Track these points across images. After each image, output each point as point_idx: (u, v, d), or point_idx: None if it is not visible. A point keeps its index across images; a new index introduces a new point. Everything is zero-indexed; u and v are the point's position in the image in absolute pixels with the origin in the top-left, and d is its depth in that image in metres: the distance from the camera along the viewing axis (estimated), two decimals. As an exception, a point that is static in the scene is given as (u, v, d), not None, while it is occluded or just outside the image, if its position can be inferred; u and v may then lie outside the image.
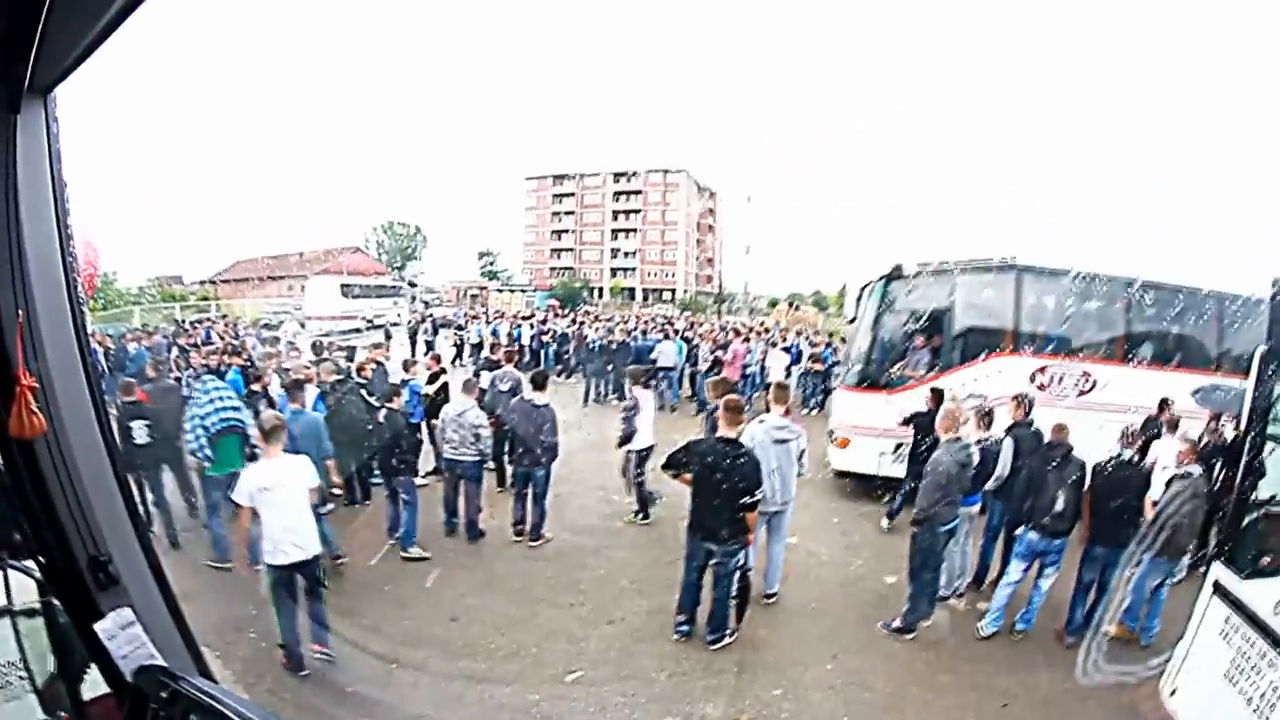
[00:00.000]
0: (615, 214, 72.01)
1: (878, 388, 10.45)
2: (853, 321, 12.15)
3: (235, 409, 7.57)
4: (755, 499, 5.89)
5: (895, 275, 10.66)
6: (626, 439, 8.87)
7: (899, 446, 9.86)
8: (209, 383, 7.92)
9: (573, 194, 73.83)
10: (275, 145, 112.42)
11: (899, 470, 9.80)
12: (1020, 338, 10.31)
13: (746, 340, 18.53)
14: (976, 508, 7.32)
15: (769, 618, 6.73)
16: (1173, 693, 4.96)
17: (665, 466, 6.14)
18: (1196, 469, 6.47)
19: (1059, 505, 6.46)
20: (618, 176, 72.17)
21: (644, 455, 8.90)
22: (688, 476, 5.98)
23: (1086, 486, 6.49)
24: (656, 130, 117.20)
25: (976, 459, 6.79)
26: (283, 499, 5.43)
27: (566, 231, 73.26)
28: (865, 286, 11.64)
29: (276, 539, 5.40)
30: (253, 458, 6.94)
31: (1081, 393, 10.10)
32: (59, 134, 1.52)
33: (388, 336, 23.51)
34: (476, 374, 9.98)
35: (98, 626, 1.53)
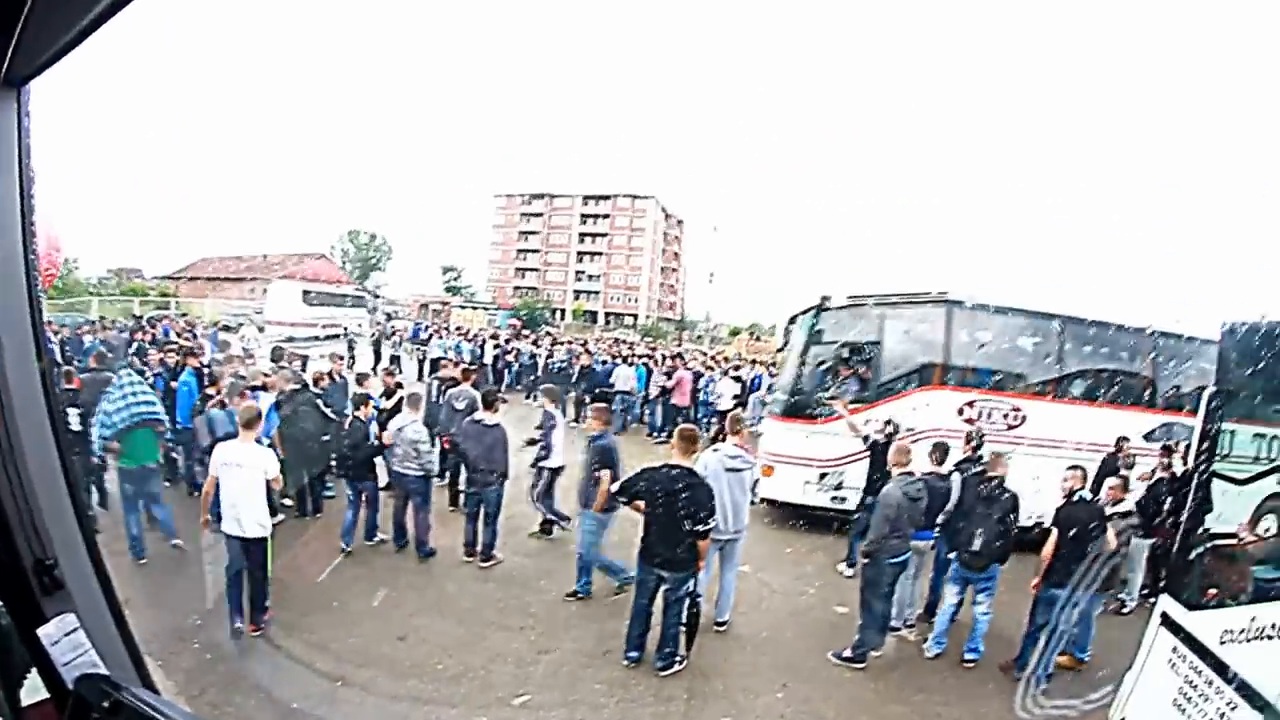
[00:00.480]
0: (582, 236, 72.45)
1: (803, 418, 10.51)
2: (781, 350, 12.48)
3: (150, 403, 7.70)
4: (708, 527, 5.90)
5: (823, 307, 10.80)
6: (542, 457, 8.92)
7: (824, 476, 10.11)
8: (124, 378, 7.93)
9: (541, 214, 74.08)
10: (246, 145, 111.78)
11: (823, 499, 10.08)
12: (949, 371, 10.48)
13: (700, 368, 18.76)
14: (929, 543, 7.38)
15: (720, 645, 6.73)
16: None
17: (619, 493, 6.12)
18: (1127, 505, 6.83)
19: (988, 535, 6.67)
20: (587, 199, 72.52)
21: (554, 474, 9.00)
22: (640, 504, 5.97)
23: (1050, 525, 6.59)
24: (628, 156, 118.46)
25: (926, 493, 6.88)
26: (241, 477, 6.05)
27: (533, 251, 73.45)
28: (794, 317, 11.79)
29: (226, 510, 6.03)
30: (169, 452, 8.15)
31: (1010, 426, 10.26)
32: (29, 128, 1.50)
33: (351, 348, 23.33)
34: (438, 391, 9.89)
35: (40, 631, 1.49)
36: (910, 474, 6.75)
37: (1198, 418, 5.34)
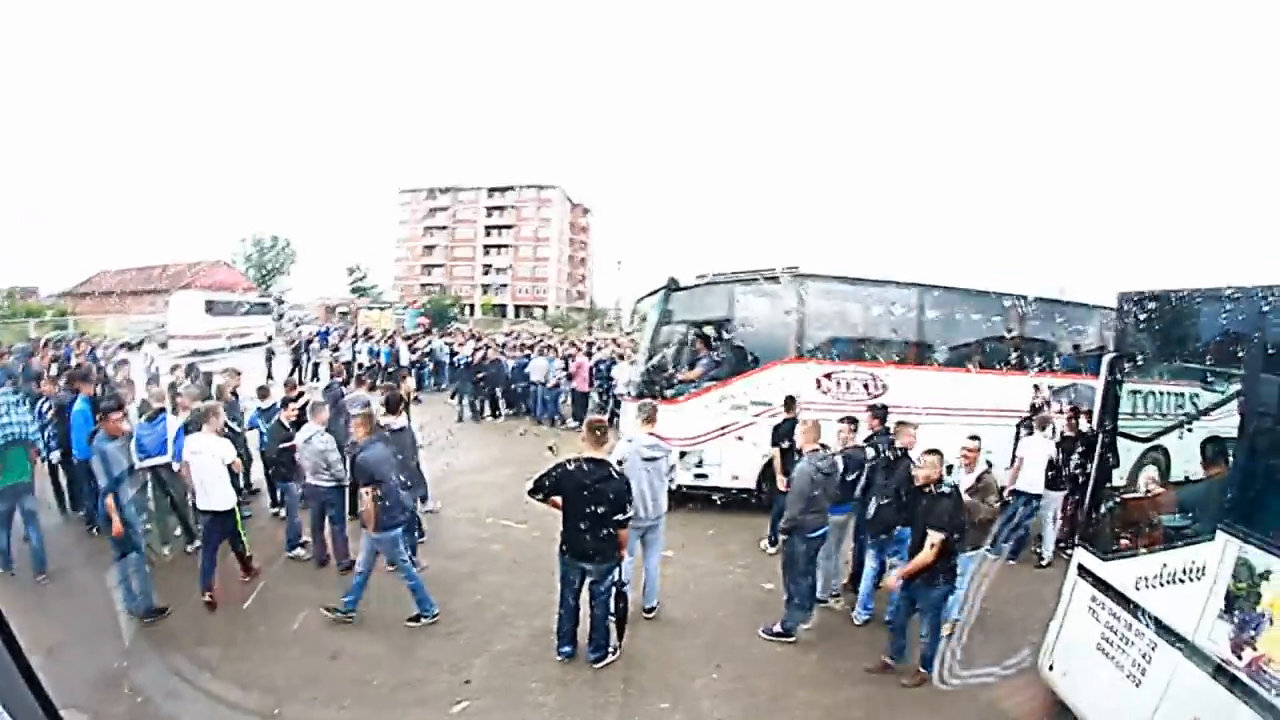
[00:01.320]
0: (488, 229, 71.68)
1: (659, 398, 10.12)
2: (630, 334, 12.49)
3: (23, 423, 7.75)
4: (626, 516, 5.96)
5: (672, 287, 10.81)
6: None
7: (683, 455, 10.21)
8: None
9: (447, 208, 73.03)
10: (140, 151, 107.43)
11: (686, 478, 10.30)
12: (804, 344, 10.71)
13: (590, 354, 18.95)
14: (846, 515, 7.60)
15: (651, 632, 6.82)
16: (1050, 667, 5.44)
17: (532, 491, 6.11)
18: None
19: (887, 501, 6.93)
20: (492, 191, 71.78)
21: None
22: (556, 499, 5.97)
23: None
24: (531, 145, 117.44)
25: (840, 468, 7.09)
26: (202, 462, 7.19)
27: (438, 246, 72.35)
28: (641, 300, 12.13)
29: (197, 489, 7.28)
30: (49, 461, 8.74)
31: (873, 396, 10.40)
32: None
33: (270, 358, 22.82)
34: (333, 398, 9.70)
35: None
36: (819, 448, 6.92)
37: (1099, 380, 5.58)
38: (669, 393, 10.56)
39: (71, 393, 8.89)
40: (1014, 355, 11.08)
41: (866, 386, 10.55)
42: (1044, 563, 8.82)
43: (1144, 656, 4.47)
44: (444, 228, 72.93)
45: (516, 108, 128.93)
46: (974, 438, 7.33)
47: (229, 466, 7.30)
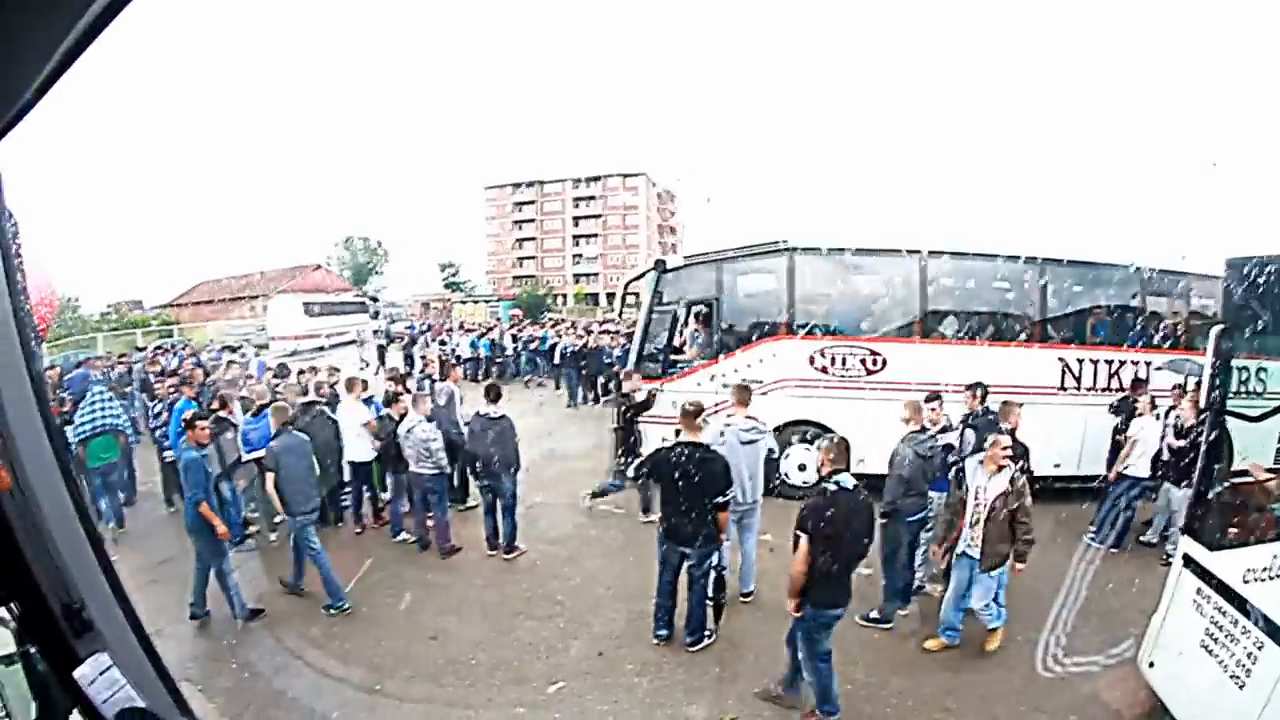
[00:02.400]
0: (576, 219, 72.20)
1: (651, 377, 10.37)
2: (614, 317, 12.45)
3: (114, 414, 9.34)
4: (725, 499, 5.93)
5: (660, 268, 10.81)
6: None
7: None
8: (94, 394, 9.54)
9: (533, 201, 73.91)
10: (234, 164, 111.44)
11: None
12: (796, 320, 10.37)
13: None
14: (942, 494, 7.32)
15: (747, 616, 6.78)
16: (1150, 665, 5.12)
17: (633, 477, 6.15)
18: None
19: None
20: (577, 182, 72.33)
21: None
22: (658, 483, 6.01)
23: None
24: (615, 134, 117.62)
25: (939, 450, 6.91)
26: (347, 424, 8.93)
27: (528, 239, 73.25)
28: (629, 282, 12.18)
29: (344, 445, 8.88)
30: (128, 452, 9.78)
31: (870, 372, 10.14)
32: (3, 190, 1.51)
33: (382, 353, 23.71)
34: (420, 389, 9.92)
35: (77, 673, 1.53)
36: (922, 430, 6.75)
37: (1207, 356, 5.27)
38: (661, 371, 10.61)
39: (178, 395, 9.52)
40: (1032, 326, 10.39)
41: (864, 362, 10.20)
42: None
43: (1249, 656, 4.17)
44: (531, 220, 73.85)
45: (594, 100, 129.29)
46: (1009, 433, 6.80)
47: (365, 426, 8.84)
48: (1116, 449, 8.94)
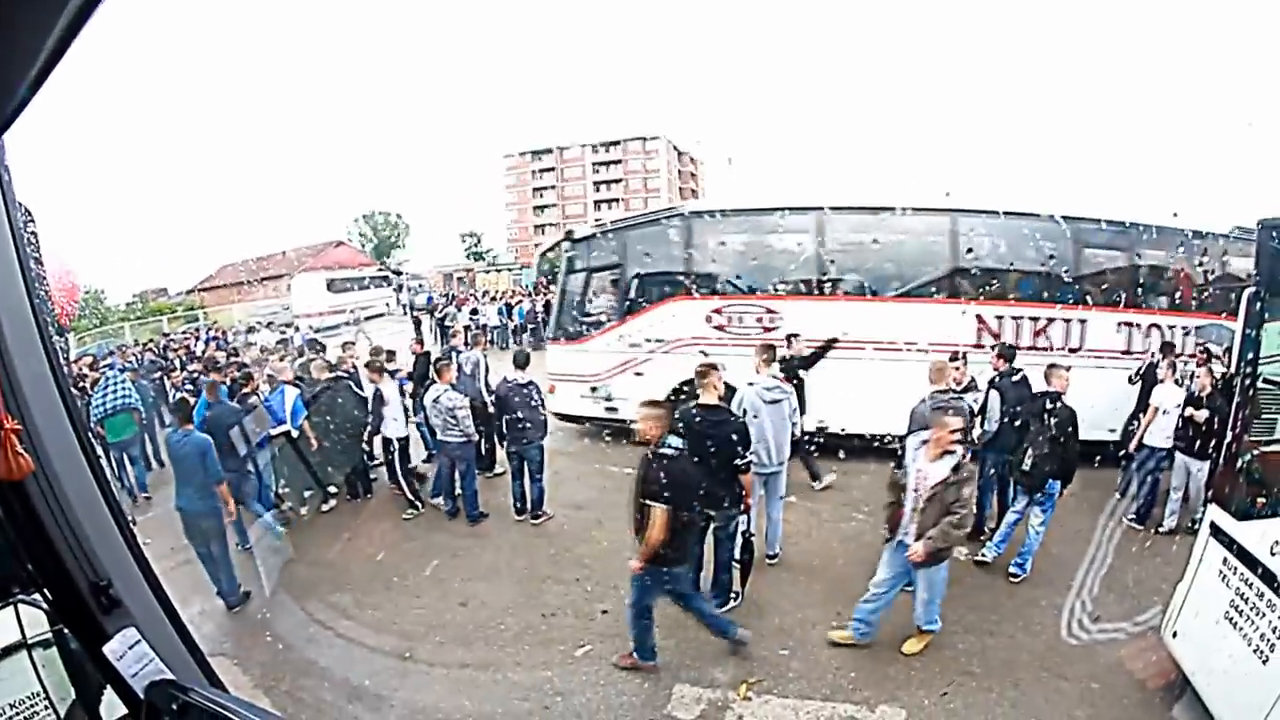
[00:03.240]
0: (596, 184, 71.74)
1: (569, 339, 11.47)
2: (525, 283, 13.43)
3: (129, 394, 10.01)
4: (747, 461, 5.91)
5: (570, 239, 12.02)
6: (374, 430, 9.01)
7: (594, 389, 10.84)
8: (111, 376, 10.27)
9: (552, 168, 73.55)
10: (249, 145, 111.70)
11: (598, 410, 10.83)
12: (694, 281, 10.85)
13: None
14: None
15: (773, 578, 6.83)
16: (1174, 635, 5.05)
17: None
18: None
19: (1043, 452, 6.53)
20: (596, 147, 71.89)
21: (402, 445, 8.98)
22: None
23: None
24: (633, 97, 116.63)
25: (968, 410, 6.82)
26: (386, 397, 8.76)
27: (549, 206, 72.97)
28: (544, 253, 13.40)
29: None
30: (148, 427, 10.73)
31: (766, 329, 10.29)
32: (11, 180, 1.53)
33: (417, 324, 23.73)
34: (447, 357, 9.98)
35: (106, 649, 1.58)
36: (945, 389, 6.69)
37: (1238, 320, 5.14)
38: (577, 333, 11.51)
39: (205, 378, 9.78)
40: (945, 280, 10.37)
41: (760, 320, 10.44)
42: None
43: (1274, 630, 4.06)
44: (552, 187, 73.56)
45: (616, 59, 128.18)
46: (1056, 395, 6.62)
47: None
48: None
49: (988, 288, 10.08)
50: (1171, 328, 9.68)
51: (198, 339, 19.89)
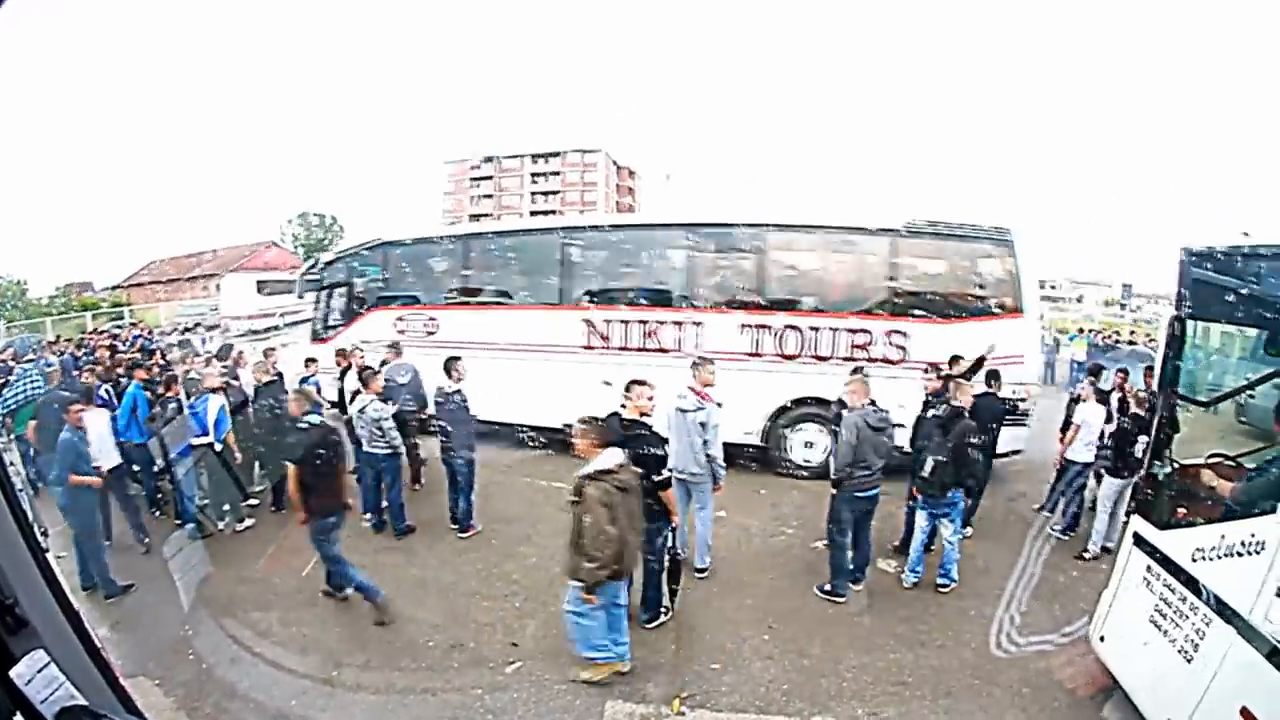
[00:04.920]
0: (534, 195, 71.83)
1: (317, 339, 13.64)
2: (300, 298, 15.81)
3: (38, 387, 9.99)
4: (665, 476, 5.91)
5: (316, 262, 14.59)
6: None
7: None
8: (20, 370, 10.80)
9: (490, 177, 73.42)
10: (185, 139, 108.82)
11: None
12: (386, 295, 13.35)
13: None
14: None
15: (703, 593, 6.86)
16: (1101, 639, 5.30)
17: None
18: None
19: (935, 463, 6.76)
20: (536, 158, 72.02)
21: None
22: None
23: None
24: (575, 110, 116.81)
25: (889, 422, 6.82)
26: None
27: (486, 215, 72.67)
28: (302, 274, 15.00)
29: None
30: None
31: (429, 333, 12.52)
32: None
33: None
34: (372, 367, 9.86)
35: (12, 673, 1.51)
36: (871, 404, 6.74)
37: (1159, 342, 5.38)
38: (323, 335, 13.65)
39: (128, 379, 9.49)
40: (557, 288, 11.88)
41: (424, 326, 12.66)
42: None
43: (1197, 633, 4.28)
44: (489, 196, 73.37)
45: (557, 75, 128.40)
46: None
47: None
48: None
49: (600, 295, 11.58)
50: (816, 329, 10.49)
51: (118, 339, 19.21)
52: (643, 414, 5.98)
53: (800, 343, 10.44)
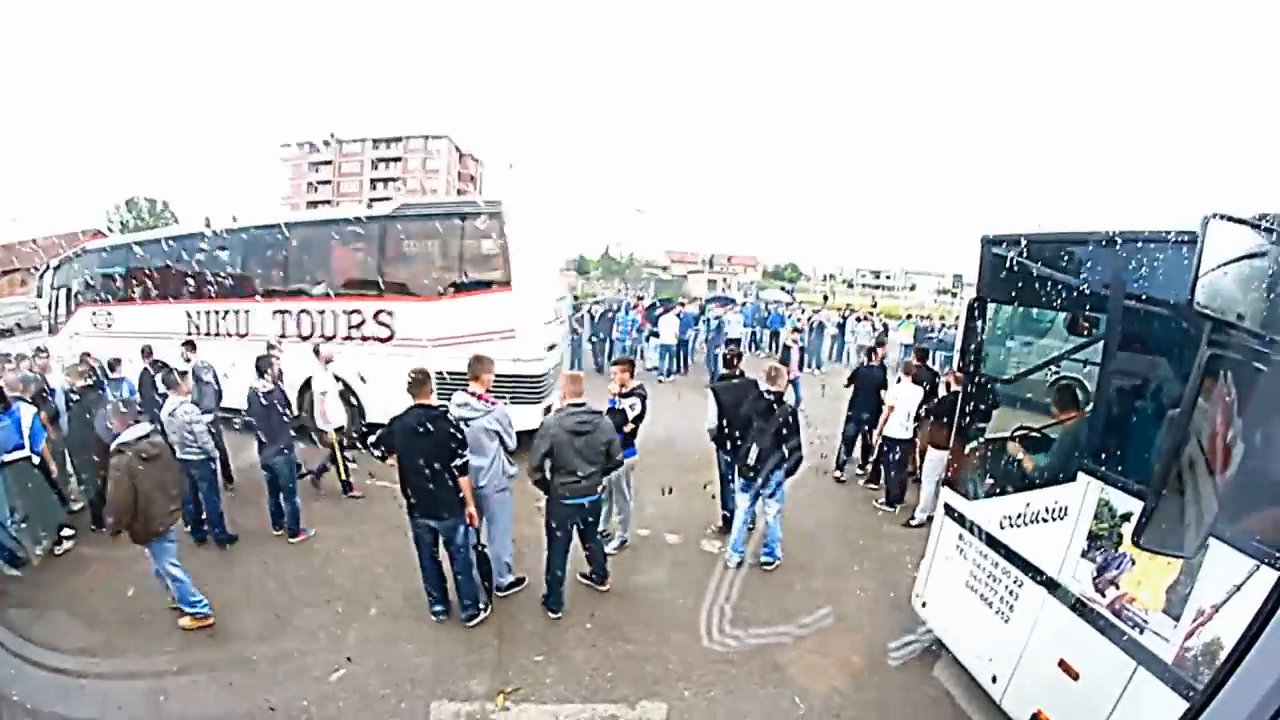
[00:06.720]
0: (374, 182, 69.92)
1: (52, 333, 15.68)
2: (40, 296, 17.20)
3: None
4: (463, 461, 6.00)
5: (47, 265, 16.47)
6: None
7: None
8: None
9: (330, 161, 71.01)
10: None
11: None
12: (93, 296, 14.96)
13: None
14: (634, 458, 7.72)
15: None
16: (924, 605, 5.88)
17: (374, 444, 6.12)
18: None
19: (764, 447, 7.00)
20: (377, 143, 70.10)
21: None
22: (392, 452, 6.04)
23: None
24: (418, 96, 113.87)
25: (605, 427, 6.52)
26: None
27: (324, 202, 70.35)
28: (41, 274, 17.01)
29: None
30: None
31: (108, 326, 14.33)
32: None
33: None
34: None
35: None
36: (580, 404, 6.43)
37: (960, 326, 5.86)
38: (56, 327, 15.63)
39: None
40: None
41: (106, 320, 14.45)
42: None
43: (1011, 594, 4.76)
44: (328, 182, 71.01)
45: (402, 57, 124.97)
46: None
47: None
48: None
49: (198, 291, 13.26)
50: (322, 312, 12.05)
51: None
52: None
53: (313, 325, 11.94)
